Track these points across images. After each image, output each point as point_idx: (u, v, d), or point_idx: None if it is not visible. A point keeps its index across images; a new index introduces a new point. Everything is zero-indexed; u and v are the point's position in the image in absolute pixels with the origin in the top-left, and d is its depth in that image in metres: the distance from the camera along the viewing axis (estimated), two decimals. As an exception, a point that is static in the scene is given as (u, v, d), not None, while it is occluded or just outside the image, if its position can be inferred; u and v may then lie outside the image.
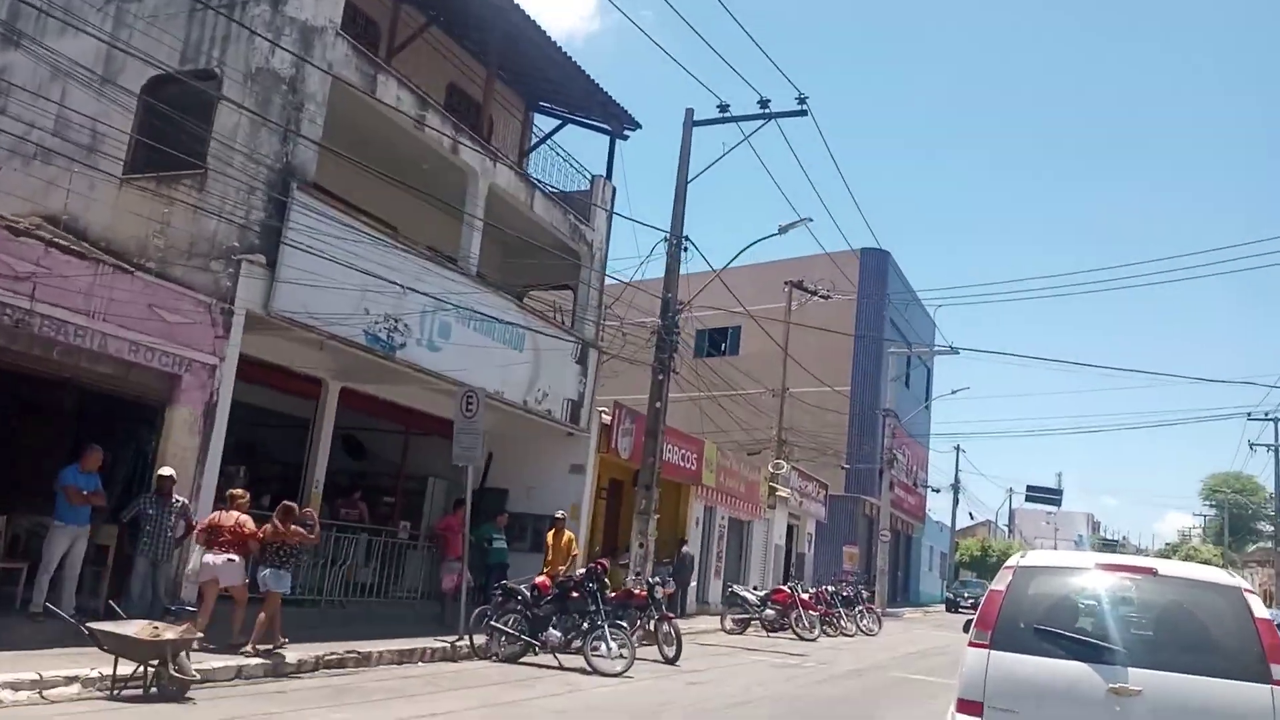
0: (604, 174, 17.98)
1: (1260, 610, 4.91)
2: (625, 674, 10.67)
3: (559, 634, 11.12)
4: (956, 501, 48.05)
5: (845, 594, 22.58)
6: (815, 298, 33.60)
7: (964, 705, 5.14)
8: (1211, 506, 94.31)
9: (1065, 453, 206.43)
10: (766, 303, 40.61)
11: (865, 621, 22.12)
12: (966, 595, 42.09)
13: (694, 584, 21.51)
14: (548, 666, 11.09)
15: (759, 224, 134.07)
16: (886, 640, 20.91)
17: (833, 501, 37.82)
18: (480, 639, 11.37)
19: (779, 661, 14.49)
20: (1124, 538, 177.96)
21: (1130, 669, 4.81)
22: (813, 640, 18.53)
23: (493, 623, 11.33)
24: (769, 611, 19.11)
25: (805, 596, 19.69)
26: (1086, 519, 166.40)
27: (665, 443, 20.20)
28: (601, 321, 17.67)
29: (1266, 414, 47.93)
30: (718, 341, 42.62)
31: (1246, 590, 5.05)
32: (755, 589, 22.80)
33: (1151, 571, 5.32)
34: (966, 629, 5.49)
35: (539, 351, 15.52)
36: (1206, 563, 71.58)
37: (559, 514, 14.77)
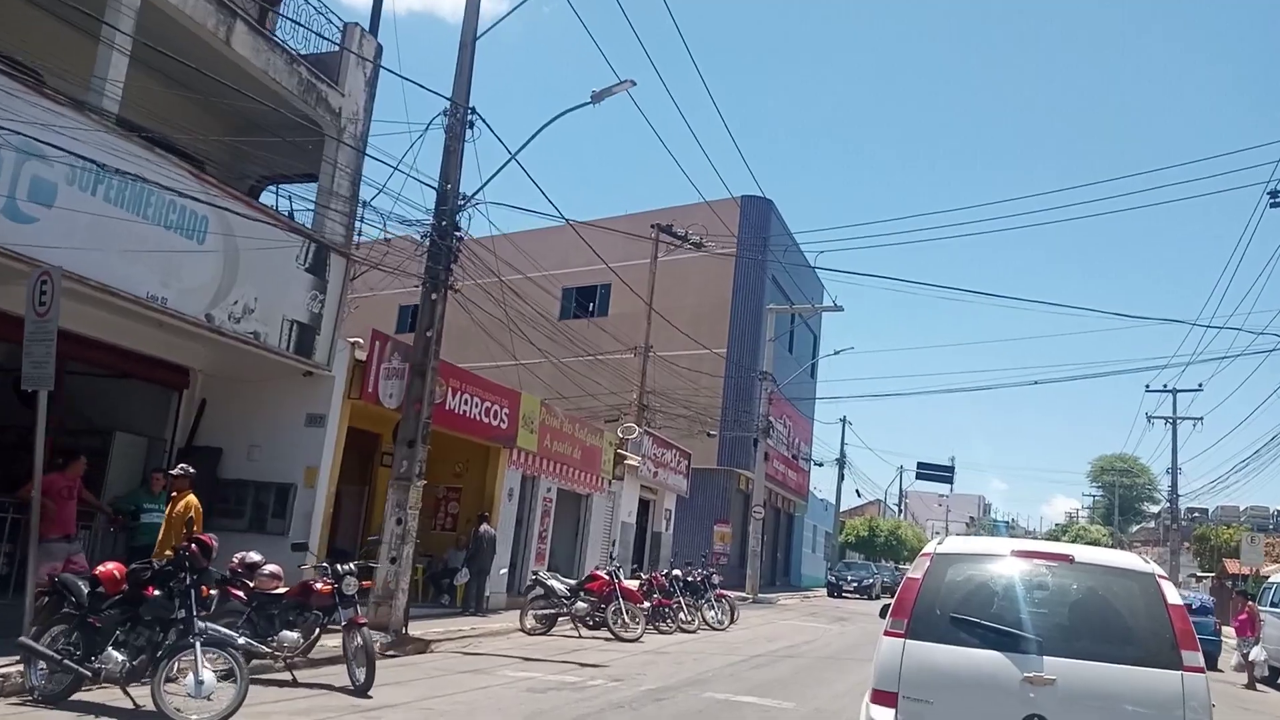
0: (365, 27, 13.50)
1: (1173, 597, 4.98)
2: (230, 720, 6.47)
3: (123, 656, 6.79)
4: (842, 477, 45.05)
5: (691, 579, 18.73)
6: (686, 245, 29.61)
7: (878, 696, 5.04)
8: (1099, 487, 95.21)
9: (957, 436, 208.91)
10: (639, 257, 36.69)
11: (713, 613, 18.29)
12: (850, 578, 39.00)
13: (503, 570, 17.34)
14: (109, 712, 6.79)
15: (636, 179, 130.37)
16: (734, 637, 17.10)
17: (704, 476, 34.15)
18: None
19: (555, 680, 10.40)
20: (1013, 520, 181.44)
21: (1045, 658, 4.82)
22: (633, 640, 14.53)
23: (28, 640, 6.93)
24: (580, 604, 15.04)
25: (630, 583, 15.70)
26: (978, 501, 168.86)
27: (464, 392, 15.93)
28: (357, 218, 13.20)
29: (1165, 386, 46.24)
30: (585, 301, 38.49)
31: (1160, 577, 5.10)
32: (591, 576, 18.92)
33: (1068, 559, 5.34)
34: (883, 615, 5.32)
35: (237, 249, 11.01)
36: (1095, 542, 71.08)
37: (177, 471, 10.10)
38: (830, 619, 24.45)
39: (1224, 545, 44.49)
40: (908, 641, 4.98)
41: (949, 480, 55.89)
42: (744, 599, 30.05)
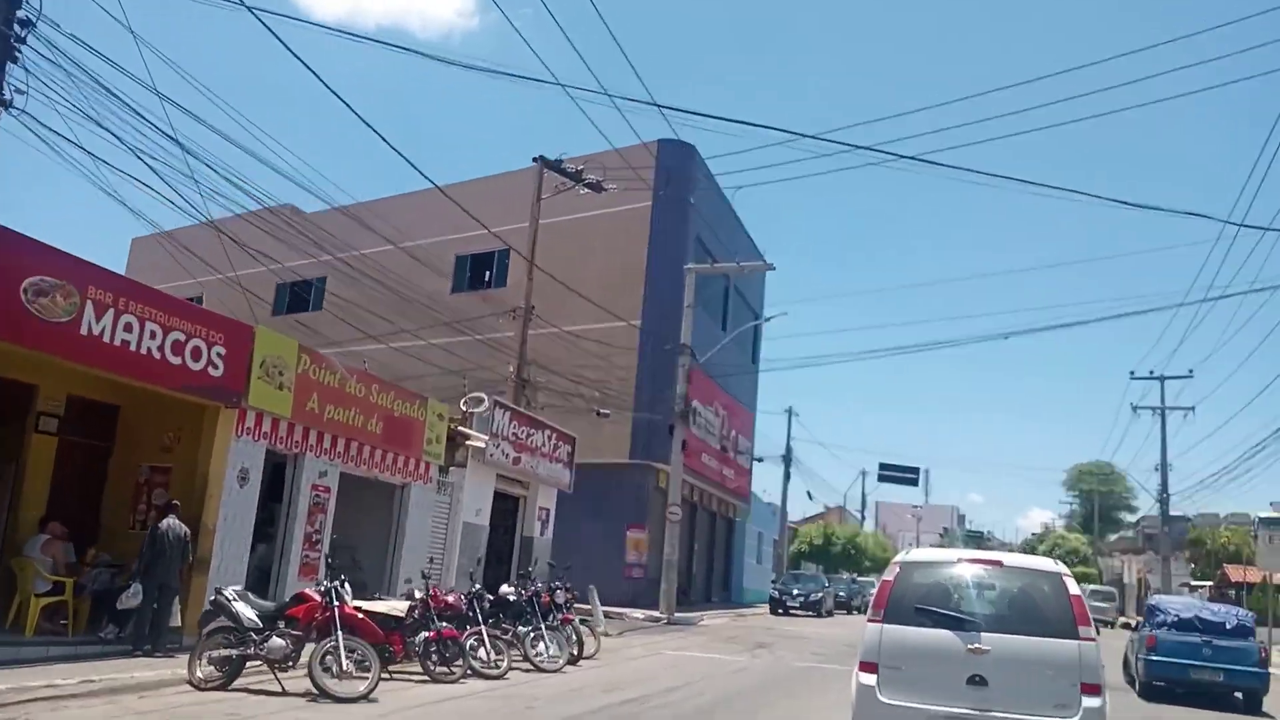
0: None
1: (1074, 589, 6.90)
2: None
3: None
4: (788, 476, 39.56)
5: (519, 597, 13.19)
6: (580, 186, 24.18)
7: (864, 665, 6.98)
8: (1076, 496, 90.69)
9: (930, 447, 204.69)
10: (542, 216, 31.14)
11: (543, 647, 12.69)
12: (796, 592, 33.46)
13: (228, 590, 11.67)
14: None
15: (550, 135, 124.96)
16: (558, 683, 11.53)
17: (614, 472, 28.63)
18: None
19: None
20: (989, 532, 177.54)
21: (983, 634, 6.77)
22: (353, 699, 8.94)
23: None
24: (276, 640, 9.40)
25: (359, 608, 10.11)
26: (951, 512, 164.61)
27: (128, 312, 10.36)
28: None
29: (1151, 372, 41.30)
30: (480, 271, 32.93)
31: (1065, 575, 7.04)
32: (385, 595, 13.49)
33: (999, 563, 7.46)
34: (867, 610, 7.38)
35: None
36: (1074, 550, 65.94)
37: None
38: (747, 646, 18.96)
39: (1221, 549, 39.56)
40: (884, 625, 6.99)
41: (914, 483, 50.78)
42: (657, 620, 24.56)
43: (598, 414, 22.81)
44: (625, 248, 29.85)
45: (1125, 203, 51.02)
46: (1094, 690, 6.54)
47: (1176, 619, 14.68)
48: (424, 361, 30.13)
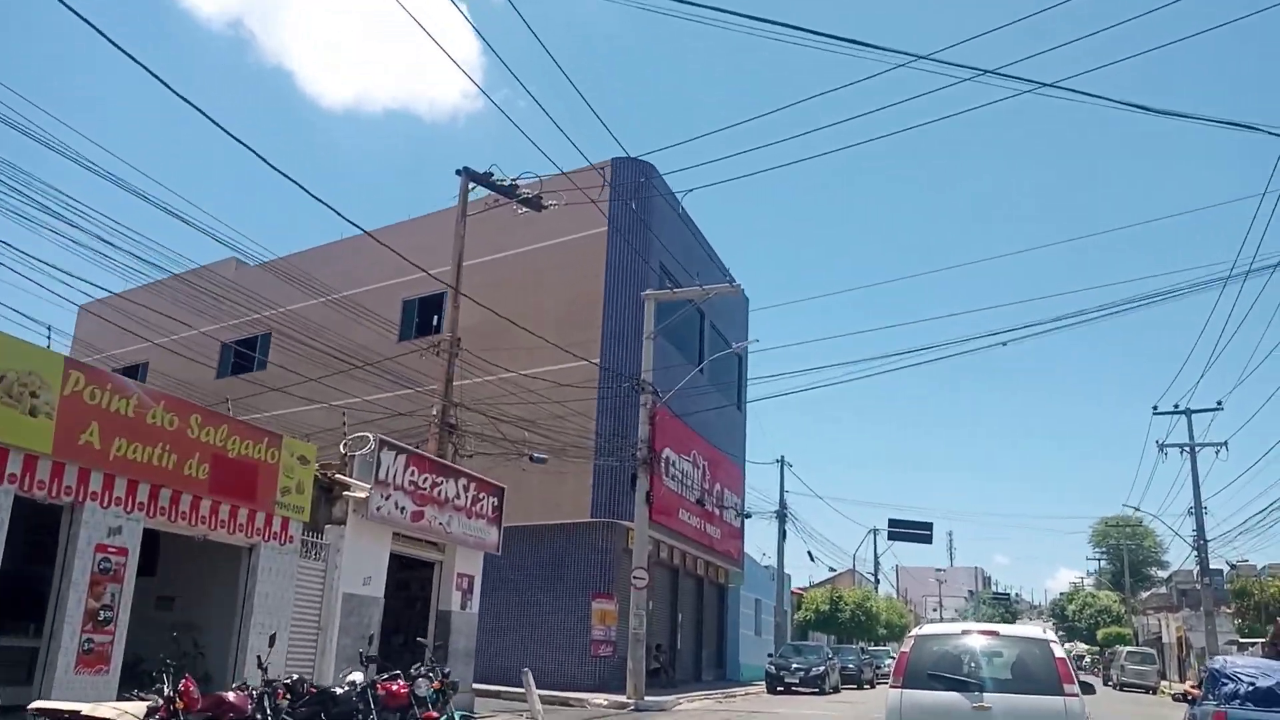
0: None
1: (1059, 653, 8.53)
2: None
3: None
4: (783, 534, 35.71)
5: (365, 691, 9.77)
6: (518, 206, 21.24)
7: None
8: (1103, 552, 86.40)
9: (949, 506, 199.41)
10: (490, 251, 28.30)
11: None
12: (795, 666, 29.51)
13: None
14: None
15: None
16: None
17: (577, 532, 25.22)
18: None
19: None
20: (1016, 594, 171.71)
21: (985, 694, 8.34)
22: None
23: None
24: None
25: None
26: (975, 573, 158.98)
27: None
28: None
29: (1176, 406, 37.70)
30: (429, 315, 29.93)
31: (1051, 641, 8.72)
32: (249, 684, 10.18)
33: (995, 633, 9.13)
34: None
35: None
36: (1106, 609, 61.39)
37: None
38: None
39: (1272, 601, 35.49)
40: (904, 690, 8.58)
41: (928, 540, 46.76)
42: (623, 706, 20.91)
43: (531, 459, 19.38)
44: (581, 280, 26.84)
45: (1172, 114, 47.45)
46: None
47: (1252, 689, 11.04)
48: (370, 420, 27.17)
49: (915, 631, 9.37)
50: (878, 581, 55.32)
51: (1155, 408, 37.81)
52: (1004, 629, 9.43)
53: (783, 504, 35.53)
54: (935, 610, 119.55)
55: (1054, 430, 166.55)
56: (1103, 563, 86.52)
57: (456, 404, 19.83)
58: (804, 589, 49.47)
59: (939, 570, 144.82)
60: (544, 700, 21.84)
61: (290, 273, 23.97)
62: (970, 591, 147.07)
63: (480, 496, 17.16)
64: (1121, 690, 44.10)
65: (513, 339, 24.48)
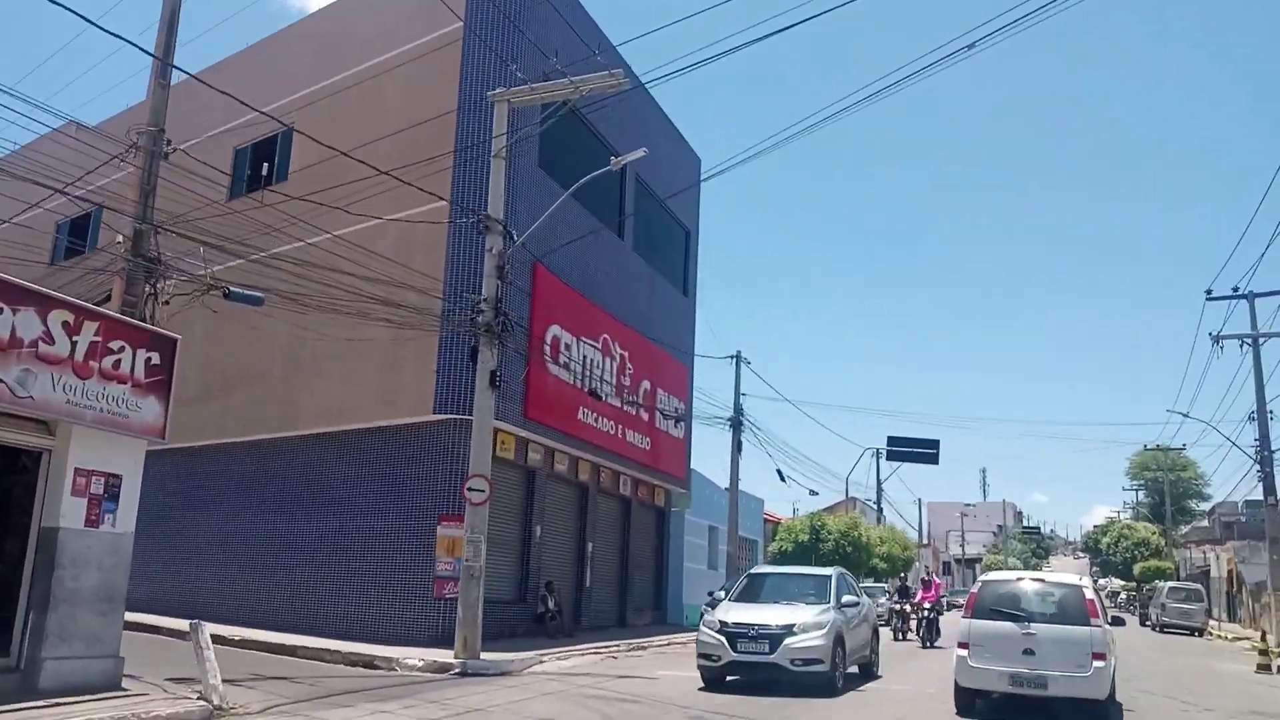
0: None
1: (1089, 595, 11.19)
2: None
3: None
4: (738, 445, 28.83)
5: None
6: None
7: (960, 645, 11.23)
8: (1140, 485, 79.42)
9: (991, 453, 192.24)
10: (332, 73, 21.64)
11: None
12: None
13: None
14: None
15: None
16: None
17: (420, 436, 18.85)
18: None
19: None
20: (1052, 530, 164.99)
21: (1033, 624, 10.93)
22: None
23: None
24: None
25: None
26: (1008, 508, 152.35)
27: None
28: None
29: (1235, 290, 30.42)
30: (260, 162, 23.22)
31: (1084, 586, 11.42)
32: None
33: (1042, 580, 11.83)
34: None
35: None
36: (1144, 541, 54.57)
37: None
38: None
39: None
40: (972, 620, 11.25)
41: (932, 460, 39.86)
42: (445, 669, 14.65)
43: (227, 294, 12.43)
44: (431, 97, 19.94)
45: None
46: (1101, 657, 10.65)
47: None
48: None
49: (982, 578, 12.32)
50: (880, 510, 48.64)
51: (1209, 291, 30.58)
52: (1050, 576, 12.07)
53: (738, 409, 28.76)
54: (960, 545, 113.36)
55: (1095, 332, 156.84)
56: (1140, 494, 79.63)
57: (159, 227, 13.15)
58: (787, 520, 42.87)
59: (968, 505, 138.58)
60: (345, 660, 15.63)
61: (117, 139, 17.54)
62: (999, 526, 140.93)
63: (117, 348, 10.54)
64: (1162, 632, 37.28)
65: (350, 188, 18.01)
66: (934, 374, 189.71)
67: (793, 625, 12.99)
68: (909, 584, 26.55)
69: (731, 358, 29.25)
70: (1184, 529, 71.01)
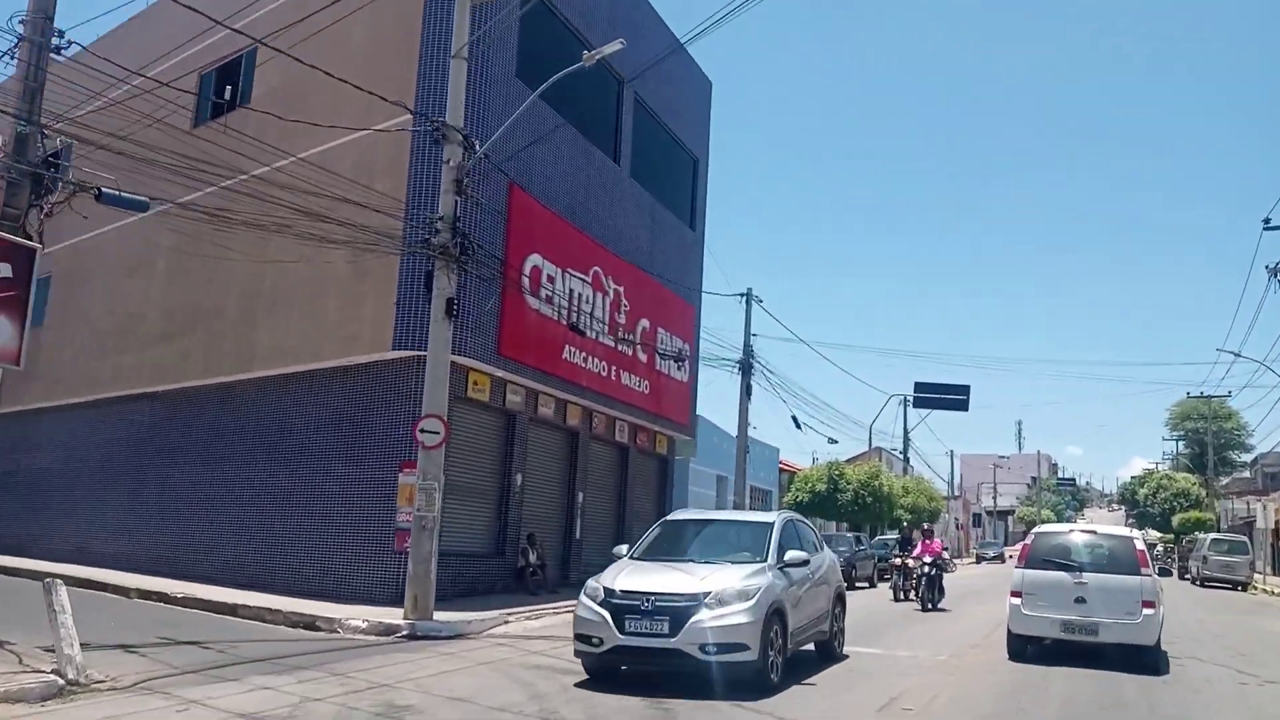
0: None
1: (1140, 546, 11.88)
2: None
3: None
4: (747, 390, 26.92)
5: None
6: None
7: (1013, 593, 11.83)
8: (1180, 436, 76.90)
9: (1027, 401, 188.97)
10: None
11: None
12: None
13: None
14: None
15: None
16: None
17: (379, 375, 17.16)
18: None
19: None
20: (1088, 482, 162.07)
21: (1084, 573, 11.51)
22: None
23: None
24: None
25: None
26: (1043, 460, 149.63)
27: None
28: None
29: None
30: (224, 86, 21.39)
31: (1135, 538, 12.19)
32: None
33: (1093, 532, 12.62)
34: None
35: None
36: (1183, 492, 52.40)
37: None
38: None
39: None
40: (1025, 570, 11.87)
41: (962, 406, 37.78)
42: (392, 630, 13.09)
43: (98, 197, 10.61)
44: (396, 5, 17.98)
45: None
46: (1150, 605, 11.14)
47: None
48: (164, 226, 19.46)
49: (1035, 530, 13.02)
50: (907, 459, 46.62)
51: (1267, 220, 28.03)
52: (1101, 528, 12.93)
53: (748, 349, 26.81)
54: (993, 498, 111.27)
55: (1138, 269, 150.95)
56: (1180, 445, 77.09)
57: (59, 130, 11.39)
58: (804, 470, 41.01)
59: (1001, 457, 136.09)
60: (286, 620, 14.09)
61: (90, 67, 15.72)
62: (1033, 478, 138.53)
63: None
64: (1204, 586, 35.18)
65: (315, 111, 16.21)
66: (964, 311, 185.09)
67: (705, 595, 8.82)
68: (910, 535, 24.14)
69: (741, 295, 27.22)
70: (1224, 480, 68.56)
